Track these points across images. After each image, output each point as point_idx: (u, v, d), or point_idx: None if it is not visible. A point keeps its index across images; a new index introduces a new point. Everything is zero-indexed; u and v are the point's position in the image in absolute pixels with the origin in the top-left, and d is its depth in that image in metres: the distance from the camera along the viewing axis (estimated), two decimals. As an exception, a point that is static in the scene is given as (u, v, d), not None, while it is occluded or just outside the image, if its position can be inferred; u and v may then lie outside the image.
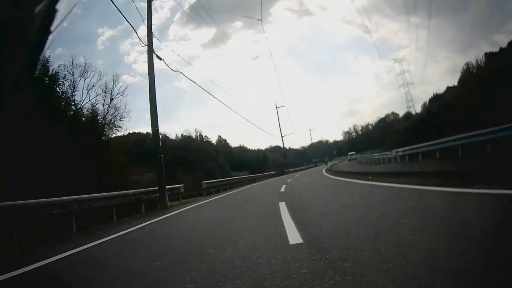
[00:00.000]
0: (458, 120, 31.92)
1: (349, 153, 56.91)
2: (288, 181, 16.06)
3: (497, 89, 28.08)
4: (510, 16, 74.78)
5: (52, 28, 0.56)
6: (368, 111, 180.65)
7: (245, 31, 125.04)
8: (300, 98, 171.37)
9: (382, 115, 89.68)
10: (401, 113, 78.53)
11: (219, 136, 78.08)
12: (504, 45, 38.11)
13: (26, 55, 0.57)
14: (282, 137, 47.02)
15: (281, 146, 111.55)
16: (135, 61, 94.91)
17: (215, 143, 75.01)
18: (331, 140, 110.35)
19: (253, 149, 73.87)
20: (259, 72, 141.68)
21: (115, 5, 12.12)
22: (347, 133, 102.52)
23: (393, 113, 78.05)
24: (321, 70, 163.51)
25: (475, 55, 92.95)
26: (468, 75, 35.86)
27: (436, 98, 59.80)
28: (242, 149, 69.63)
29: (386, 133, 50.23)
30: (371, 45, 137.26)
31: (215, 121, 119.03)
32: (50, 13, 0.55)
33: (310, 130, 57.25)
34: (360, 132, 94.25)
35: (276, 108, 55.71)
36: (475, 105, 30.20)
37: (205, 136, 72.88)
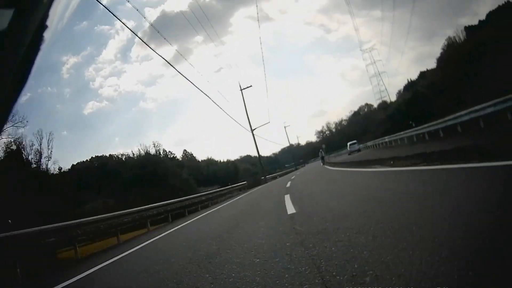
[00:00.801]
0: (449, 96, 28.62)
1: (349, 143, 40.05)
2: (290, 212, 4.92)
3: (482, 59, 25.22)
4: None
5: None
6: (337, 110, 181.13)
7: (206, 45, 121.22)
8: (268, 103, 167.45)
9: (354, 110, 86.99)
10: (367, 109, 76.41)
11: (185, 150, 71.35)
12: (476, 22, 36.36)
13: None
14: (252, 130, 34.09)
15: (252, 155, 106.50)
16: (101, 85, 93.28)
17: (180, 158, 68.62)
18: (303, 142, 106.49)
19: (222, 160, 67.64)
20: (225, 83, 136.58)
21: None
22: (321, 132, 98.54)
23: (367, 104, 75.51)
24: (286, 74, 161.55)
25: (440, 41, 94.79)
26: (450, 50, 32.43)
27: (411, 84, 57.67)
28: (209, 162, 63.01)
29: (368, 125, 46.64)
30: (333, 44, 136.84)
31: (185, 137, 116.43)
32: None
33: (285, 127, 50.29)
34: (334, 130, 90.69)
35: (241, 90, 34.90)
36: (463, 78, 27.06)
37: (169, 151, 65.57)
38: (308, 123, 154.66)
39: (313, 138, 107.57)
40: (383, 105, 55.80)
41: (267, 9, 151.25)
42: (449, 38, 33.42)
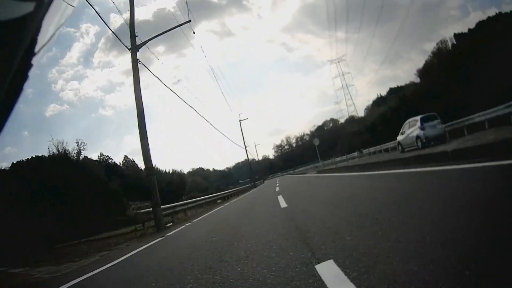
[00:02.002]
0: (442, 100, 25.26)
1: (420, 118, 14.65)
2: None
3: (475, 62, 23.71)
4: (440, 23, 77.41)
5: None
6: (294, 129, 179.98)
7: (167, 56, 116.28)
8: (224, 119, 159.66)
9: (318, 124, 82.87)
10: (332, 124, 72.98)
11: (125, 156, 61.46)
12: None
13: None
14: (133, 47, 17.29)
15: (204, 168, 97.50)
16: (62, 88, 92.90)
17: (120, 164, 59.48)
18: (259, 157, 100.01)
19: (167, 171, 58.77)
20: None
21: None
22: (280, 146, 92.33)
23: (332, 119, 71.48)
24: (244, 90, 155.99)
25: (404, 64, 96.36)
26: (441, 55, 28.77)
27: (380, 100, 55.03)
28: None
29: (335, 140, 41.90)
30: (294, 63, 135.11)
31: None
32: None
33: (240, 121, 38.96)
34: (294, 145, 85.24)
35: None
36: (456, 81, 24.15)
37: (107, 156, 55.72)
38: (265, 140, 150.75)
39: (271, 153, 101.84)
40: (351, 119, 52.41)
41: (229, 24, 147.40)
42: (440, 41, 29.88)
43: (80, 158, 32.99)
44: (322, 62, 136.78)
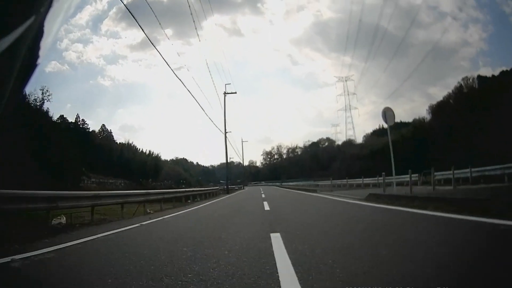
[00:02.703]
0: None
1: None
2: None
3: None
4: (449, 71, 76.43)
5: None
6: (284, 142, 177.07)
7: (173, 41, 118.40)
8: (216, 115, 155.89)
9: (302, 146, 79.98)
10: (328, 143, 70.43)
11: (103, 125, 57.55)
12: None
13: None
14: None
15: (188, 160, 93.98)
16: (66, 48, 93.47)
17: (97, 131, 56.04)
18: (245, 162, 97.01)
19: (143, 151, 54.98)
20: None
21: None
22: (269, 153, 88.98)
23: (328, 138, 68.63)
24: (243, 91, 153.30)
25: (404, 103, 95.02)
26: (461, 94, 26.43)
27: (381, 131, 52.92)
28: (127, 147, 49.84)
29: (329, 161, 38.91)
30: (296, 77, 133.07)
31: (134, 124, 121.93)
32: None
33: (225, 94, 30.16)
34: (284, 156, 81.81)
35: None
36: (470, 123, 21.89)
37: (83, 120, 52.07)
38: (253, 146, 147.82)
39: (258, 160, 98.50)
40: (349, 142, 49.90)
41: (240, 24, 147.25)
42: (466, 78, 27.51)
43: (44, 108, 29.23)
44: (324, 83, 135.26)
